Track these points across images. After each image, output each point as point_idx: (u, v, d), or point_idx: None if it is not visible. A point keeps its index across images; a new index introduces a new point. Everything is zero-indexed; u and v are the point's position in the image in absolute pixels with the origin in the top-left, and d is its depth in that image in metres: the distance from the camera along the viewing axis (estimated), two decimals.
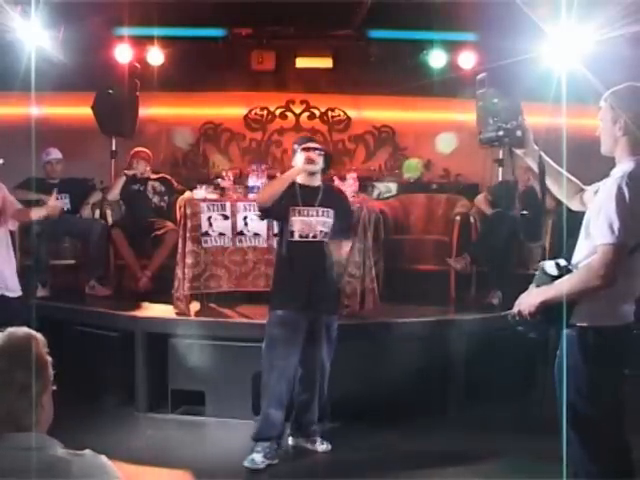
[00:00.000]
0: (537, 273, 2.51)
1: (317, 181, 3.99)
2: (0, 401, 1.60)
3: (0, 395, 1.60)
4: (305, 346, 3.82)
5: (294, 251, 3.87)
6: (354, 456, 3.91)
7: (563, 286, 2.38)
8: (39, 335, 1.72)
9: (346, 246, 4.15)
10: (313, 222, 3.87)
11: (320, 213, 3.89)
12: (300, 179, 3.92)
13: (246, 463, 3.74)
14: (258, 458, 3.75)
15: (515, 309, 2.51)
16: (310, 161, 3.86)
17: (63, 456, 1.57)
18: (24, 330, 1.71)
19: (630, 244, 2.31)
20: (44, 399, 1.64)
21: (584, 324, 2.41)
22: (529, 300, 2.47)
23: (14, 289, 4.00)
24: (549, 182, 2.66)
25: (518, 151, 2.68)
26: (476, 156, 7.07)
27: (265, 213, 3.99)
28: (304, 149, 3.91)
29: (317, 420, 4.03)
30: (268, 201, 3.83)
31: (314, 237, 3.87)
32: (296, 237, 3.86)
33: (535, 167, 2.66)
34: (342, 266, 4.14)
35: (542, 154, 2.63)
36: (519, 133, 2.63)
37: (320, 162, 3.94)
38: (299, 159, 3.90)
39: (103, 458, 1.63)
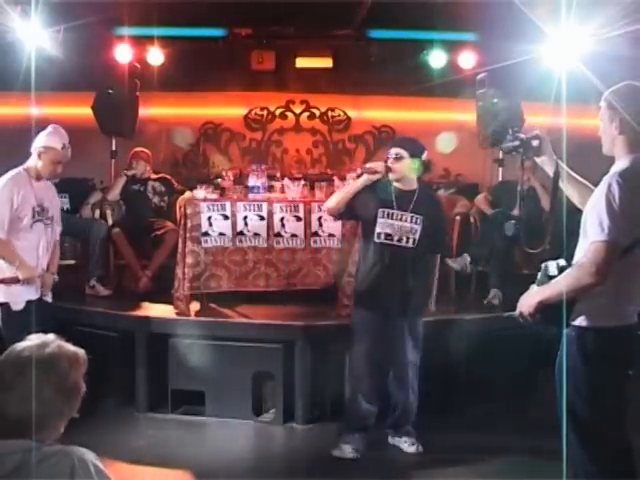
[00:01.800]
0: (539, 274, 2.52)
1: (412, 185, 3.97)
2: (18, 404, 1.58)
3: (20, 399, 1.58)
4: (388, 347, 3.92)
5: (378, 252, 3.89)
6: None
7: (558, 285, 2.39)
8: (84, 356, 1.73)
9: (432, 260, 4.15)
10: (402, 226, 3.88)
11: (409, 219, 3.90)
12: (395, 182, 3.93)
13: (335, 452, 3.89)
14: (347, 448, 3.89)
15: (517, 310, 2.52)
16: (370, 172, 3.89)
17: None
18: (72, 349, 1.70)
19: (622, 242, 2.31)
20: (60, 423, 1.63)
21: (584, 324, 2.41)
22: (528, 300, 2.48)
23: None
24: (565, 188, 2.69)
25: (537, 159, 2.73)
26: (476, 156, 7.10)
27: (344, 216, 4.11)
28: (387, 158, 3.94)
29: (407, 422, 4.05)
30: (336, 210, 3.97)
31: (399, 241, 3.88)
32: (382, 239, 3.89)
33: (552, 175, 2.68)
34: (426, 275, 4.09)
35: (559, 162, 2.66)
36: (535, 143, 2.68)
37: (404, 168, 3.88)
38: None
39: (77, 457, 1.58)
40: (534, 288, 2.52)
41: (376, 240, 3.89)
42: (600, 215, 2.30)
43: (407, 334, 3.95)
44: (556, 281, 2.41)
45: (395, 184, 3.94)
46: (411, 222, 3.90)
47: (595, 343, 2.41)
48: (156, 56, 7.62)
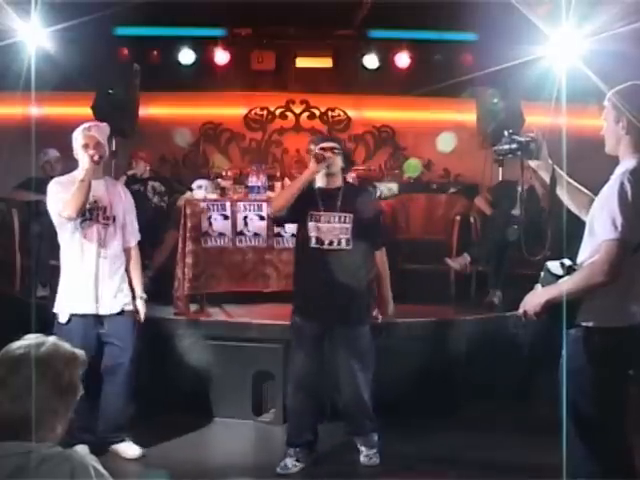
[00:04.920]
0: (542, 273, 2.51)
1: (337, 182, 3.76)
2: (10, 402, 1.56)
3: (13, 397, 1.56)
4: (327, 356, 3.73)
5: (311, 258, 3.68)
6: (354, 456, 3.90)
7: (568, 284, 2.38)
8: (82, 357, 1.69)
9: (378, 256, 3.82)
10: (331, 228, 3.65)
11: (339, 219, 3.67)
12: (319, 182, 3.73)
13: (278, 469, 3.68)
14: (290, 462, 3.71)
15: (520, 310, 2.51)
16: (320, 159, 3.62)
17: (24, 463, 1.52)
18: (69, 349, 1.67)
19: (634, 240, 2.31)
20: (56, 423, 1.60)
21: (590, 324, 2.41)
22: (534, 300, 2.46)
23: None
24: (561, 194, 2.68)
25: (532, 163, 2.70)
26: (476, 156, 7.08)
27: (280, 220, 3.88)
28: (320, 149, 3.68)
29: (358, 432, 3.85)
30: (282, 209, 3.67)
31: (330, 244, 3.65)
32: (313, 244, 3.66)
33: (547, 180, 2.67)
34: (367, 276, 3.77)
35: (555, 167, 2.65)
36: (533, 146, 2.66)
37: (338, 162, 3.71)
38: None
39: (77, 460, 1.56)
40: (539, 288, 2.50)
41: (311, 245, 3.66)
42: (612, 213, 2.29)
43: (348, 345, 3.68)
44: (565, 280, 2.40)
45: (318, 184, 3.72)
46: (340, 222, 3.65)
47: (602, 343, 2.40)
48: (157, 56, 7.62)
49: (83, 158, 3.65)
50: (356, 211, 3.67)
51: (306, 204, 3.65)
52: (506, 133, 2.73)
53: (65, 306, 3.69)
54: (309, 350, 3.69)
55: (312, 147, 3.77)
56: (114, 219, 3.75)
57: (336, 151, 3.69)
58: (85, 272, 3.69)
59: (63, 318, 3.66)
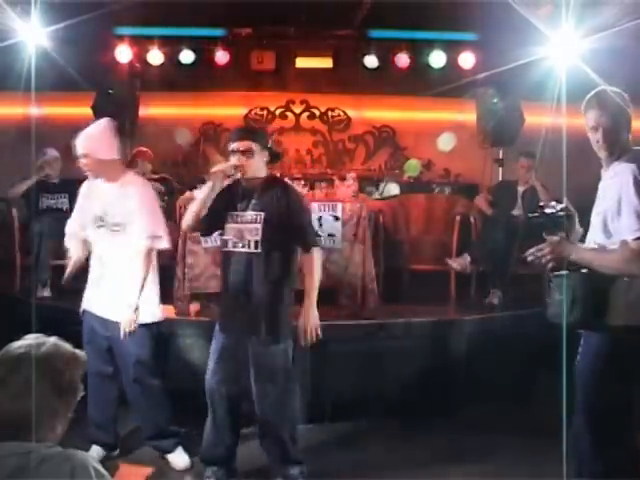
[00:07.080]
0: (536, 216, 2.51)
1: (259, 178, 3.28)
2: (10, 401, 1.56)
3: (13, 396, 1.56)
4: (237, 375, 3.33)
5: (226, 263, 3.29)
6: (354, 456, 3.90)
7: (600, 260, 2.36)
8: (82, 357, 1.68)
9: (306, 260, 3.27)
10: (242, 229, 3.22)
11: (250, 218, 3.23)
12: (242, 179, 3.28)
13: None
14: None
15: (533, 249, 2.48)
16: (220, 177, 3.19)
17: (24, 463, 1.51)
18: (69, 349, 1.66)
19: None
20: (55, 423, 1.60)
21: (614, 324, 2.39)
22: (563, 250, 2.42)
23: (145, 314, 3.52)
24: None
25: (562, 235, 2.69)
26: (476, 156, 7.10)
27: (204, 232, 3.56)
28: (231, 152, 3.24)
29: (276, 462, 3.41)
30: (192, 228, 3.38)
31: (242, 247, 3.21)
32: (229, 246, 3.27)
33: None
34: (284, 285, 3.27)
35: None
36: (564, 220, 2.63)
37: (253, 163, 3.21)
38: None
39: (77, 460, 1.55)
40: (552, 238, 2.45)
41: (227, 248, 3.27)
42: (636, 208, 2.28)
43: (259, 364, 3.24)
44: (598, 251, 2.38)
45: (242, 182, 3.28)
46: (251, 222, 3.22)
47: (616, 342, 2.38)
48: (156, 56, 7.62)
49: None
50: (268, 210, 3.20)
51: (227, 205, 3.27)
52: (543, 207, 2.66)
53: (83, 298, 3.66)
54: (222, 362, 3.35)
55: (229, 145, 3.30)
56: (122, 225, 3.48)
57: (253, 149, 3.20)
58: (95, 275, 3.60)
59: (81, 310, 3.66)
